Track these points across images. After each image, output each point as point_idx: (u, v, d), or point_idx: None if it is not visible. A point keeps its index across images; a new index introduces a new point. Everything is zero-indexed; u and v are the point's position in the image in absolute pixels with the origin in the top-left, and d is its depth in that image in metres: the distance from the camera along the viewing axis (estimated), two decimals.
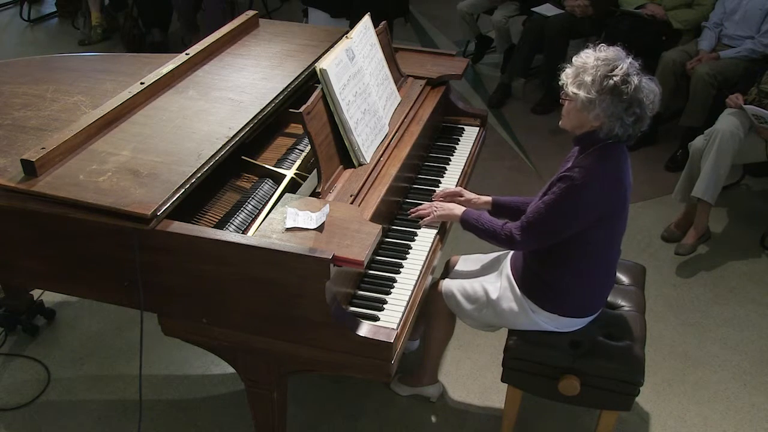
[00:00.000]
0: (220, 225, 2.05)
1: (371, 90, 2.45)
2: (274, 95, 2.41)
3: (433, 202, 2.44)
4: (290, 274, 1.82)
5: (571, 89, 2.02)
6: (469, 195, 2.50)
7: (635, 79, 1.96)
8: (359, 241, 1.87)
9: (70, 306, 3.09)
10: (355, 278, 2.12)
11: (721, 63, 4.05)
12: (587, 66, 1.99)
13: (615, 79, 1.95)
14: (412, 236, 2.36)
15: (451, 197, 2.49)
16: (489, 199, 2.50)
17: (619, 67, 1.96)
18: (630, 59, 2.01)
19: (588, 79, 1.98)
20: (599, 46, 2.04)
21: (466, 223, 2.32)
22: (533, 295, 2.25)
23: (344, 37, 2.45)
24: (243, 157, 2.32)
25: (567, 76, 2.05)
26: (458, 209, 2.35)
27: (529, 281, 2.24)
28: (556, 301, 2.23)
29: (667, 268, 3.49)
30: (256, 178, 2.29)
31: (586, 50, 2.05)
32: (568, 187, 2.04)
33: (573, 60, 2.05)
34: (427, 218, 2.38)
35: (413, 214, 2.42)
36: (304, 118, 2.10)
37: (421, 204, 2.49)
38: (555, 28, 4.73)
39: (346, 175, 2.26)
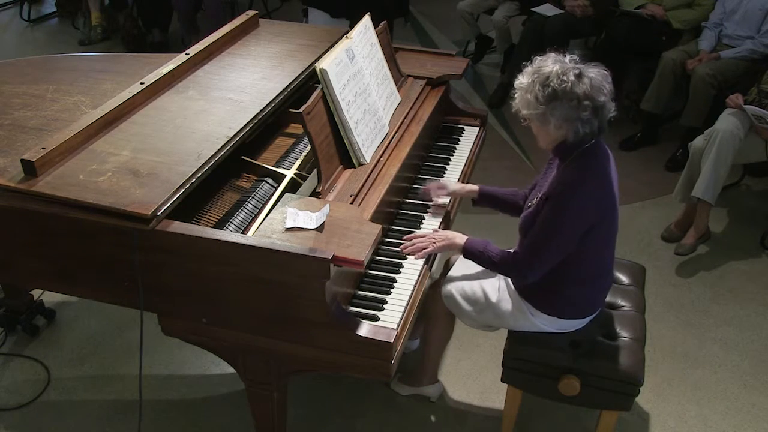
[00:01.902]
0: (220, 225, 2.05)
1: (371, 90, 2.45)
2: (274, 95, 2.41)
3: (430, 233, 2.29)
4: (290, 274, 1.82)
5: (524, 112, 2.05)
6: (453, 186, 2.50)
7: (571, 76, 1.95)
8: (359, 241, 1.87)
9: (70, 306, 3.09)
10: (355, 278, 2.12)
11: (721, 63, 4.05)
12: (526, 85, 2.02)
13: (552, 84, 1.96)
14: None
15: (435, 191, 2.48)
16: (475, 187, 2.50)
17: (553, 72, 1.97)
18: (567, 57, 2.01)
19: (530, 97, 2.00)
20: (534, 59, 2.05)
21: (469, 252, 2.23)
22: (531, 299, 2.24)
23: (344, 37, 2.45)
24: (243, 157, 2.32)
25: (516, 101, 2.07)
26: (459, 238, 2.24)
27: (526, 285, 2.24)
28: (554, 305, 2.23)
29: (667, 268, 3.49)
30: (256, 178, 2.29)
31: (526, 69, 2.06)
32: (558, 204, 2.04)
33: (515, 84, 2.07)
34: (426, 251, 2.22)
35: (409, 249, 2.24)
36: (304, 118, 2.10)
37: (419, 207, 2.49)
38: (555, 28, 4.72)
39: (346, 175, 2.26)
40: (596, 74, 1.99)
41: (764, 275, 3.47)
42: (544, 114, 2.00)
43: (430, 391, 2.69)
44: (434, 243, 2.25)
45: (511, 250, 2.21)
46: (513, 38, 5.25)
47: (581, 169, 2.05)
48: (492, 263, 2.20)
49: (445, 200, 2.52)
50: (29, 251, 2.05)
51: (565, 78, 1.96)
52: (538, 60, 2.05)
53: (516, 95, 2.06)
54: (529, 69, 2.05)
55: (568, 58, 2.01)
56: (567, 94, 1.95)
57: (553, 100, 1.97)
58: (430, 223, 2.44)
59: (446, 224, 2.50)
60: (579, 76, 1.96)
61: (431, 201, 2.50)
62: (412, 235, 2.31)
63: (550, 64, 2.00)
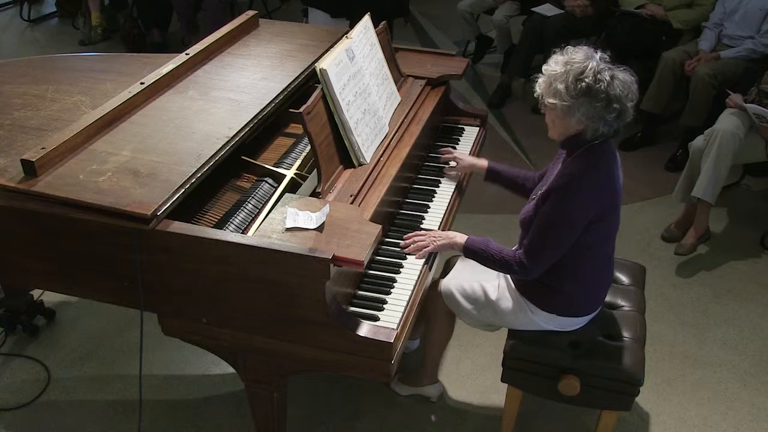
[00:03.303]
0: (220, 225, 2.05)
1: (371, 90, 2.45)
2: (274, 95, 2.41)
3: (430, 232, 2.31)
4: (290, 274, 1.82)
5: (548, 100, 2.02)
6: (465, 161, 2.63)
7: (606, 76, 1.95)
8: (359, 241, 1.87)
9: (70, 306, 3.09)
10: (355, 278, 2.12)
11: (721, 63, 4.05)
12: (557, 74, 1.99)
13: (587, 80, 1.95)
14: None
15: (451, 160, 2.63)
16: (485, 163, 2.58)
17: (589, 68, 1.96)
18: (598, 55, 2.00)
19: (561, 87, 1.98)
20: (566, 48, 2.04)
21: (470, 251, 2.22)
22: (531, 296, 2.25)
23: (344, 37, 2.45)
24: (243, 157, 2.32)
25: (540, 87, 2.05)
26: (460, 237, 2.24)
27: (525, 283, 2.24)
28: (554, 302, 2.23)
29: (667, 268, 3.49)
30: (256, 178, 2.29)
31: (554, 56, 2.04)
32: (561, 197, 2.04)
33: (543, 68, 2.04)
34: (427, 249, 2.24)
35: (409, 248, 2.26)
36: (304, 118, 2.10)
37: (419, 207, 2.49)
38: (555, 28, 4.72)
39: (346, 175, 2.26)
40: (626, 78, 1.99)
41: (764, 275, 3.47)
42: (571, 107, 1.98)
43: (430, 391, 2.69)
44: (434, 242, 2.25)
45: (513, 248, 2.21)
46: (514, 38, 5.25)
47: (586, 163, 2.05)
48: (494, 261, 2.19)
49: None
50: (29, 251, 2.05)
51: (600, 77, 1.95)
52: (569, 49, 2.03)
53: (542, 80, 2.04)
54: (560, 57, 2.02)
55: (599, 55, 2.00)
56: (599, 93, 1.95)
57: (583, 96, 1.96)
58: (431, 223, 2.44)
59: (459, 189, 2.62)
60: (613, 77, 1.96)
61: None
62: (413, 233, 2.31)
63: (583, 57, 1.99)
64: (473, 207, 2.53)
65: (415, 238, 2.28)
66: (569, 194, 2.03)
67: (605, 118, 1.99)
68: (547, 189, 2.08)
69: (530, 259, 2.11)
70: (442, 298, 2.40)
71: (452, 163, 2.68)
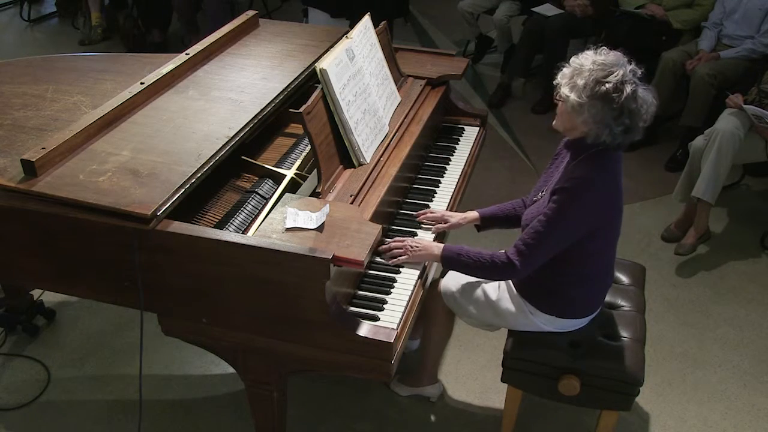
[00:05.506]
0: (220, 225, 2.05)
1: (371, 90, 2.45)
2: (274, 95, 2.41)
3: (407, 239, 2.22)
4: (290, 274, 1.82)
5: (564, 90, 2.00)
6: (455, 219, 2.40)
7: (629, 88, 1.92)
8: (359, 241, 1.87)
9: (70, 306, 3.09)
10: (355, 278, 2.12)
11: (721, 63, 4.05)
12: (583, 69, 1.97)
13: (607, 85, 1.92)
14: (412, 236, 2.35)
15: (436, 223, 2.40)
16: (476, 214, 2.45)
17: (615, 74, 1.93)
18: (630, 66, 1.97)
19: (581, 82, 1.95)
20: (601, 48, 2.01)
21: (449, 260, 2.16)
22: (531, 298, 2.24)
23: (344, 37, 2.45)
24: (243, 157, 2.32)
25: (563, 76, 2.02)
26: (436, 248, 2.17)
27: (526, 285, 2.23)
28: (554, 304, 2.22)
29: (667, 268, 3.49)
30: (256, 178, 2.30)
31: (587, 51, 2.01)
32: (567, 198, 2.01)
33: (572, 60, 2.02)
34: (402, 258, 2.17)
35: (386, 254, 2.20)
36: (304, 118, 2.10)
37: (419, 207, 2.49)
38: (555, 28, 4.73)
39: (346, 175, 2.26)
40: (647, 98, 1.97)
41: (764, 275, 3.47)
42: (582, 105, 1.95)
43: (430, 391, 2.69)
44: (410, 251, 2.18)
45: (489, 251, 2.15)
46: (514, 38, 5.25)
47: (595, 168, 2.03)
48: (475, 266, 2.13)
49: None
50: (29, 251, 2.05)
51: (621, 87, 1.92)
52: (604, 50, 2.00)
53: (566, 71, 2.01)
54: (591, 54, 1.99)
55: (630, 67, 1.97)
56: (614, 102, 1.92)
57: (597, 99, 1.93)
58: (430, 225, 2.43)
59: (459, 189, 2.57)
60: (634, 92, 1.93)
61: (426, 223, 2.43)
62: (393, 240, 2.24)
63: (613, 62, 1.96)
64: (472, 207, 2.53)
65: (392, 244, 2.22)
66: (574, 197, 2.01)
67: (612, 127, 1.95)
68: (555, 188, 2.06)
69: (521, 257, 2.07)
70: (442, 297, 2.40)
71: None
